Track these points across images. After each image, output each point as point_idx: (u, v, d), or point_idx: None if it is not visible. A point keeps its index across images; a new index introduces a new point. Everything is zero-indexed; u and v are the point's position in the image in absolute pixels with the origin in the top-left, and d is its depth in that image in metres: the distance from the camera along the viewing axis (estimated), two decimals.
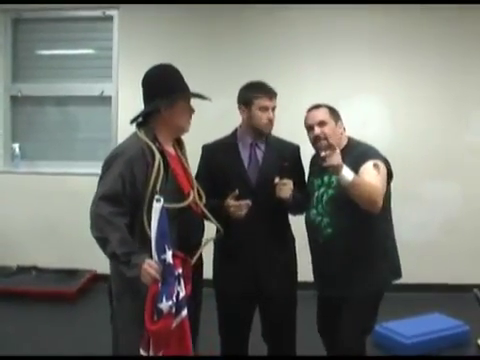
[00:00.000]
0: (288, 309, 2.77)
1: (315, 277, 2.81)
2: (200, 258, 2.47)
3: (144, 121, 2.43)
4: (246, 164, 2.71)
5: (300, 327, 2.87)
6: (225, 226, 2.57)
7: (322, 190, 2.68)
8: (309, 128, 2.71)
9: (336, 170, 2.41)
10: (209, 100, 2.48)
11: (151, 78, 2.43)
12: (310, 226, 2.74)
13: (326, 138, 2.61)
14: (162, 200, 2.10)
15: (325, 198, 2.66)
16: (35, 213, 5.24)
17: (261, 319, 2.82)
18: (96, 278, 4.95)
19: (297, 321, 2.84)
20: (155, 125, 2.38)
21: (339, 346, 2.66)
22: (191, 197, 2.37)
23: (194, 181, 2.49)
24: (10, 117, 5.52)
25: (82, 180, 4.97)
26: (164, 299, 2.02)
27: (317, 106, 2.74)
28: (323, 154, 2.39)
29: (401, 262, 2.76)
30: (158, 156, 2.27)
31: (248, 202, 2.53)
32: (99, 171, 2.31)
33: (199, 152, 2.81)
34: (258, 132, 2.72)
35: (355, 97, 4.95)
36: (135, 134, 2.38)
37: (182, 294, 2.10)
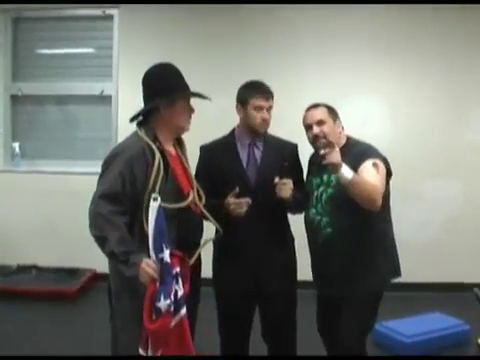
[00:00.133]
0: (288, 309, 2.77)
1: (314, 277, 2.81)
2: (199, 258, 2.46)
3: (144, 120, 2.43)
4: (245, 164, 2.71)
5: (300, 327, 2.86)
6: (225, 225, 2.57)
7: (321, 189, 2.68)
8: (308, 127, 2.71)
9: (335, 168, 2.41)
10: (209, 100, 2.48)
11: (151, 77, 2.42)
12: (309, 225, 2.74)
13: (325, 137, 2.61)
14: (159, 199, 2.10)
15: (324, 197, 2.65)
16: (35, 212, 5.24)
17: (261, 319, 2.81)
18: (96, 277, 4.95)
19: (297, 321, 2.83)
20: (155, 124, 2.38)
21: (339, 346, 2.65)
22: (191, 197, 2.37)
23: (194, 181, 2.49)
24: (10, 116, 5.53)
25: (82, 179, 4.97)
26: (162, 298, 2.03)
27: (315, 105, 2.74)
28: (322, 152, 2.39)
29: (401, 261, 2.76)
30: (158, 155, 2.27)
31: (248, 200, 2.53)
32: (99, 170, 2.31)
33: (198, 152, 2.81)
34: (253, 131, 2.72)
35: (355, 96, 4.95)
36: (135, 133, 2.37)
37: (180, 293, 2.11)
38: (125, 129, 2.55)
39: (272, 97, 2.71)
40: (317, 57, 5.07)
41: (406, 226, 4.43)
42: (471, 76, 5.03)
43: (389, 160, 2.67)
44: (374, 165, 2.51)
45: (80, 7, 5.27)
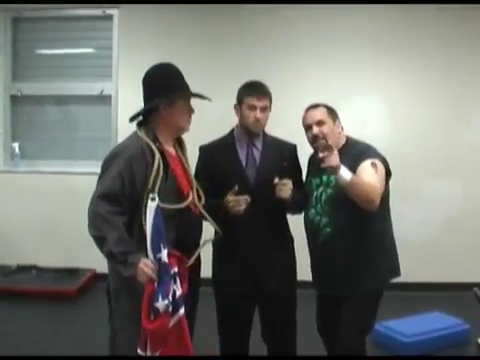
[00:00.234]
0: (288, 309, 2.77)
1: (314, 277, 2.81)
2: (198, 258, 2.46)
3: (144, 120, 2.43)
4: (244, 163, 2.72)
5: (300, 327, 2.86)
6: (224, 225, 2.58)
7: (321, 189, 2.68)
8: (307, 127, 2.72)
9: (334, 171, 2.41)
10: (209, 100, 2.48)
11: (151, 77, 2.43)
12: (309, 226, 2.74)
13: (324, 137, 2.61)
14: (157, 199, 2.10)
15: (324, 197, 2.66)
16: (35, 212, 5.25)
17: (261, 319, 2.81)
18: (96, 277, 4.95)
19: (297, 321, 2.83)
20: (155, 124, 2.38)
21: (339, 345, 2.66)
22: (190, 198, 2.37)
23: (194, 182, 2.49)
24: (10, 116, 5.52)
25: (82, 179, 4.96)
26: (160, 298, 2.03)
27: (315, 105, 2.75)
28: (321, 155, 2.39)
29: (401, 261, 2.76)
30: (158, 156, 2.27)
31: (247, 197, 2.53)
32: (99, 170, 2.31)
33: (198, 152, 2.81)
34: (248, 131, 2.72)
35: (355, 96, 4.95)
36: (135, 133, 2.37)
37: (179, 293, 2.11)
38: (125, 129, 2.55)
39: (267, 97, 2.70)
40: (317, 57, 5.07)
41: (406, 226, 4.43)
42: (471, 76, 5.04)
43: (389, 160, 2.67)
44: (373, 165, 2.51)
45: (80, 7, 5.27)
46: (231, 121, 2.82)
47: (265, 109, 2.70)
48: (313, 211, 2.70)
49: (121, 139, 2.46)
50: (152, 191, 2.17)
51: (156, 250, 2.08)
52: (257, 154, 2.74)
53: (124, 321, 2.27)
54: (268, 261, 2.70)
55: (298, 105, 2.93)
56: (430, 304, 4.31)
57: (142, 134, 2.33)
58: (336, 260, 2.63)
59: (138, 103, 2.44)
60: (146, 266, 2.07)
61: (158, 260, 2.07)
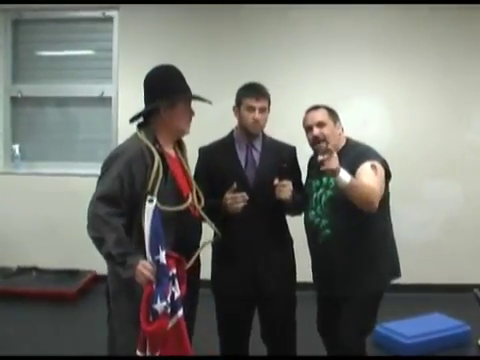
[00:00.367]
0: (287, 310, 2.77)
1: (314, 278, 2.82)
2: (197, 259, 2.46)
3: (145, 122, 2.43)
4: (243, 165, 2.72)
5: (300, 328, 2.87)
6: (223, 226, 2.59)
7: (321, 191, 2.68)
8: (308, 129, 2.72)
9: (333, 173, 2.41)
10: (209, 103, 2.48)
11: (152, 79, 2.43)
12: (309, 227, 2.74)
13: (325, 139, 2.61)
14: (155, 200, 2.11)
15: (324, 199, 2.66)
16: (35, 214, 5.24)
17: (260, 320, 2.81)
18: (96, 279, 4.95)
19: (297, 322, 2.83)
20: (156, 126, 2.38)
21: (339, 346, 2.66)
22: (189, 200, 2.37)
23: (193, 184, 2.49)
24: (10, 118, 5.52)
25: (82, 181, 4.96)
26: (158, 300, 2.03)
27: (316, 107, 2.75)
28: (320, 158, 2.39)
29: (401, 262, 2.77)
30: (157, 158, 2.27)
31: (244, 194, 2.53)
32: (99, 172, 2.31)
33: (197, 154, 2.81)
34: (247, 132, 2.72)
35: (355, 97, 4.95)
36: (135, 135, 2.38)
37: (177, 294, 2.11)
38: (125, 131, 2.56)
39: (266, 98, 2.70)
40: (317, 58, 5.06)
41: (406, 227, 4.43)
42: (470, 76, 5.04)
43: (389, 161, 2.67)
44: (372, 167, 2.52)
45: (80, 8, 5.27)
46: (231, 122, 2.82)
47: (264, 110, 2.70)
48: (313, 213, 2.71)
49: (121, 141, 2.46)
50: (151, 193, 2.17)
51: (154, 252, 2.08)
52: (256, 155, 2.74)
53: (123, 323, 2.27)
54: (267, 262, 2.70)
55: (298, 106, 2.94)
56: (430, 305, 4.31)
57: (142, 136, 2.34)
58: (336, 261, 2.64)
59: (138, 105, 2.45)
60: (144, 268, 2.08)
61: (156, 262, 2.08)
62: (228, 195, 2.54)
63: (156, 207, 2.11)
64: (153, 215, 2.08)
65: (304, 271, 2.82)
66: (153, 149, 2.29)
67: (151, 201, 2.10)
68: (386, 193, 2.64)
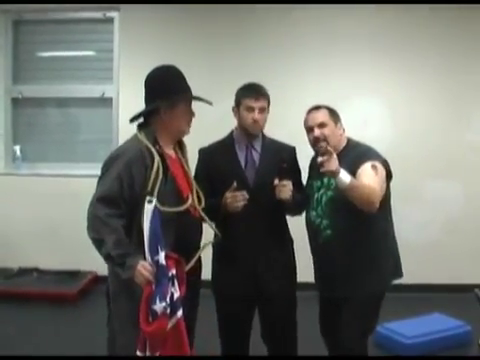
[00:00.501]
0: (288, 310, 2.77)
1: (316, 278, 2.81)
2: (198, 260, 2.46)
3: (145, 123, 2.43)
4: (243, 165, 2.72)
5: (302, 328, 2.87)
6: (223, 226, 2.60)
7: (321, 192, 2.68)
8: (309, 129, 2.72)
9: (333, 175, 2.41)
10: (210, 104, 2.48)
11: (153, 79, 2.43)
12: (310, 228, 2.75)
13: (326, 140, 2.61)
14: (154, 201, 2.11)
15: (324, 199, 2.66)
16: (36, 215, 5.25)
17: (260, 320, 2.81)
18: (97, 280, 4.95)
19: (299, 322, 2.83)
20: (156, 127, 2.38)
21: (340, 347, 2.66)
22: (189, 201, 2.37)
23: (194, 184, 2.49)
24: (11, 119, 5.53)
25: (83, 182, 4.94)
26: (158, 300, 2.03)
27: (317, 107, 2.75)
28: (320, 159, 2.39)
29: (402, 262, 2.76)
30: (157, 158, 2.27)
31: (244, 193, 2.53)
32: (100, 173, 2.32)
33: (197, 155, 2.82)
34: (246, 132, 2.73)
35: (356, 97, 4.95)
36: (135, 136, 2.38)
37: (176, 295, 2.11)
38: (126, 131, 2.55)
39: (265, 98, 2.70)
40: (318, 59, 5.07)
41: (407, 227, 4.43)
42: (470, 76, 5.04)
43: (389, 161, 2.67)
44: (373, 167, 2.52)
45: (81, 9, 5.28)
46: (232, 123, 2.82)
47: (263, 110, 2.70)
48: (314, 213, 2.71)
49: (122, 141, 2.46)
50: (150, 194, 2.17)
51: (154, 252, 2.08)
52: (256, 156, 2.75)
53: (123, 323, 2.28)
54: (268, 262, 2.70)
55: (299, 107, 2.94)
56: (431, 305, 4.31)
57: (142, 137, 2.34)
58: (337, 262, 2.64)
59: (139, 105, 2.45)
60: (144, 268, 2.08)
61: (156, 262, 2.08)
62: (228, 194, 2.54)
63: (155, 208, 2.11)
64: (152, 216, 2.09)
65: (305, 271, 2.82)
66: (153, 150, 2.29)
67: (150, 202, 2.10)
68: (387, 193, 2.64)
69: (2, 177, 5.41)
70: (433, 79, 5.06)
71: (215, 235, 2.59)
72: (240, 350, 2.83)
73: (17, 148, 5.47)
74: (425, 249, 4.97)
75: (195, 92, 2.45)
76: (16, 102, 5.52)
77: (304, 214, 2.82)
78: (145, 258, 2.11)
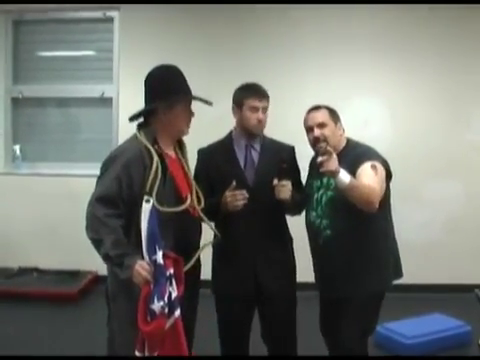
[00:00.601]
0: (288, 309, 2.76)
1: (316, 278, 2.81)
2: (198, 260, 2.46)
3: (145, 123, 2.43)
4: (242, 165, 2.72)
5: (303, 328, 2.87)
6: (223, 226, 2.60)
7: (321, 192, 2.68)
8: (309, 129, 2.72)
9: (333, 175, 2.41)
10: (210, 104, 2.47)
11: (152, 79, 2.43)
12: (310, 228, 2.74)
13: (325, 140, 2.61)
14: (151, 201, 2.11)
15: (324, 200, 2.66)
16: (36, 214, 5.25)
17: (260, 320, 2.81)
18: (97, 279, 4.95)
19: (299, 322, 2.83)
20: (155, 127, 2.38)
21: (341, 347, 2.66)
22: (188, 201, 2.37)
23: (193, 185, 2.48)
24: (11, 119, 5.53)
25: (83, 181, 4.93)
26: (155, 300, 2.03)
27: (317, 107, 2.74)
28: (320, 159, 2.39)
29: (403, 262, 2.76)
30: (156, 158, 2.27)
31: (244, 192, 2.53)
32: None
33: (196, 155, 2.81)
34: (249, 133, 2.73)
35: (356, 98, 4.95)
36: (135, 136, 2.38)
37: (174, 294, 2.11)
38: (126, 131, 2.55)
39: (267, 98, 2.71)
40: (318, 59, 5.07)
41: (407, 227, 4.43)
42: (470, 76, 5.04)
43: (389, 161, 2.67)
44: (373, 167, 2.51)
45: (81, 9, 5.28)
46: (231, 123, 2.82)
47: (266, 110, 2.71)
48: (314, 213, 2.70)
49: (122, 141, 2.46)
50: (149, 194, 2.17)
51: (151, 252, 2.08)
52: (255, 156, 2.75)
53: (122, 323, 2.28)
54: (268, 262, 2.70)
55: (299, 107, 2.93)
56: (431, 306, 4.31)
57: (141, 137, 2.34)
58: (337, 262, 2.63)
59: (139, 105, 2.44)
60: (142, 268, 2.08)
61: (154, 262, 2.08)
62: (228, 193, 2.54)
63: (153, 207, 2.11)
64: (150, 215, 2.09)
65: (305, 271, 2.82)
66: (152, 150, 2.29)
67: (148, 201, 2.11)
68: (387, 193, 2.64)
69: (2, 177, 5.42)
70: (433, 79, 5.06)
71: (215, 236, 2.59)
72: (240, 350, 2.82)
73: (17, 148, 5.48)
74: (425, 249, 4.97)
75: (194, 92, 2.45)
76: (16, 102, 5.53)
77: (304, 214, 2.82)
78: (143, 258, 2.11)
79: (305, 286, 2.91)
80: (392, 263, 2.72)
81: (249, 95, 2.69)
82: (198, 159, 2.79)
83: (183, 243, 2.30)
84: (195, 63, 4.79)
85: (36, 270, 5.16)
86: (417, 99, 5.07)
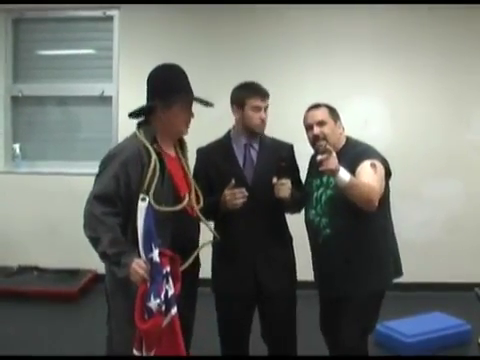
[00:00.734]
0: (288, 308, 2.76)
1: (315, 277, 2.81)
2: (197, 259, 2.46)
3: (145, 121, 2.43)
4: (241, 164, 2.72)
5: (303, 327, 2.86)
6: (223, 225, 2.60)
7: (321, 190, 2.68)
8: (308, 127, 2.71)
9: (332, 173, 2.41)
10: (211, 105, 2.47)
11: (153, 78, 2.43)
12: (310, 226, 2.74)
13: (325, 138, 2.61)
14: (147, 199, 2.12)
15: (324, 198, 2.66)
16: (36, 213, 5.25)
17: (260, 319, 2.81)
18: (97, 278, 4.94)
19: (299, 321, 2.83)
20: (155, 126, 2.38)
21: (340, 345, 2.65)
22: (186, 201, 2.36)
23: (192, 184, 2.48)
24: (11, 117, 5.53)
25: (83, 180, 4.87)
26: (152, 298, 2.04)
27: (316, 105, 2.74)
28: (319, 158, 2.39)
29: (403, 261, 2.76)
30: (154, 157, 2.27)
31: (243, 190, 2.53)
32: None
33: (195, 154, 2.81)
34: (251, 132, 2.72)
35: (356, 97, 4.95)
36: (135, 134, 2.38)
37: (171, 292, 2.11)
38: (126, 130, 2.55)
39: (268, 97, 2.72)
40: (318, 58, 5.07)
41: (407, 226, 4.43)
42: (471, 76, 5.04)
43: (390, 160, 2.67)
44: (372, 165, 2.51)
45: (81, 8, 5.27)
46: (231, 122, 2.82)
47: (267, 109, 2.71)
48: (313, 212, 2.70)
49: (122, 140, 2.46)
50: (145, 192, 2.17)
51: (147, 250, 2.09)
52: (254, 154, 2.74)
53: (119, 321, 2.28)
54: (267, 261, 2.69)
55: (299, 106, 2.93)
56: (431, 304, 4.30)
57: (141, 135, 2.34)
58: (336, 261, 2.63)
59: (138, 104, 2.44)
60: (139, 266, 2.08)
61: (150, 260, 2.08)
62: (227, 192, 2.54)
63: (149, 205, 2.11)
64: (146, 213, 2.10)
65: (305, 270, 2.82)
66: (150, 148, 2.29)
67: (144, 199, 2.12)
68: (386, 191, 2.64)
69: (2, 175, 5.41)
70: (434, 78, 5.05)
71: (214, 237, 2.60)
72: (240, 349, 2.82)
73: (17, 146, 5.47)
74: (425, 248, 4.97)
75: (194, 91, 2.44)
76: (16, 100, 5.52)
77: (303, 213, 2.81)
78: (140, 256, 2.11)
79: (305, 285, 2.90)
80: (392, 262, 2.71)
81: (251, 95, 2.69)
82: (197, 158, 2.79)
83: (181, 242, 2.30)
84: (195, 62, 4.75)
85: (36, 269, 5.16)
86: (417, 98, 5.06)
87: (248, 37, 5.11)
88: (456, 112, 5.07)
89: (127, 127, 2.54)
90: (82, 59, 5.47)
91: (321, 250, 2.70)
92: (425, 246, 4.97)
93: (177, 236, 2.30)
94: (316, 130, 2.65)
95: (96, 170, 2.36)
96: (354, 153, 2.60)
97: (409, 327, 3.77)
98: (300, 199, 2.72)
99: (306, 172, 2.88)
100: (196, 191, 2.48)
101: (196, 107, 2.46)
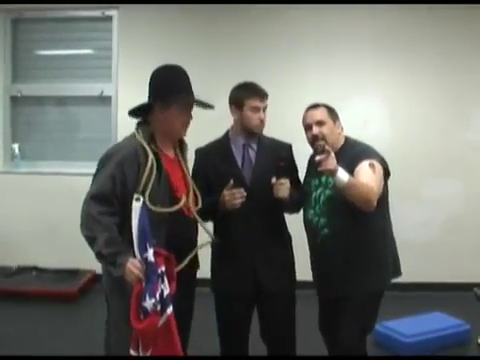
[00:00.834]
0: (287, 308, 2.76)
1: (314, 277, 2.81)
2: (195, 259, 2.46)
3: (144, 121, 2.43)
4: (240, 164, 2.72)
5: (301, 327, 2.86)
6: (221, 225, 2.61)
7: (319, 190, 2.68)
8: (307, 127, 2.71)
9: (331, 174, 2.41)
10: (211, 108, 2.47)
11: (154, 78, 2.44)
12: (308, 226, 2.74)
13: (324, 138, 2.61)
14: (142, 199, 2.13)
15: (322, 198, 2.65)
16: (35, 213, 5.24)
17: (259, 318, 2.81)
18: (96, 278, 4.93)
19: (299, 320, 2.83)
20: (154, 126, 2.39)
21: (339, 345, 2.65)
22: (182, 201, 2.36)
23: (191, 185, 2.48)
24: (10, 117, 5.52)
25: (82, 180, 4.84)
26: (147, 297, 2.04)
27: (315, 105, 2.74)
28: (318, 158, 2.38)
29: (402, 261, 2.76)
30: (151, 156, 2.27)
31: (242, 190, 2.53)
32: None
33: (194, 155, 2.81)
34: (250, 132, 2.72)
35: (355, 97, 4.95)
36: (133, 134, 2.38)
37: (166, 292, 2.11)
38: (125, 130, 2.55)
39: (267, 97, 2.72)
40: (317, 58, 5.06)
41: (406, 226, 4.44)
42: (471, 76, 5.03)
43: (389, 160, 2.66)
44: (370, 165, 2.51)
45: (80, 8, 5.27)
46: (231, 122, 2.81)
47: (265, 109, 2.71)
48: (312, 212, 2.70)
49: (121, 140, 2.46)
50: (141, 192, 2.17)
51: (142, 250, 2.10)
52: (253, 154, 2.74)
53: (116, 321, 2.29)
54: (267, 260, 2.69)
55: (298, 106, 2.92)
56: (430, 304, 4.30)
57: (139, 135, 2.34)
58: (334, 261, 2.63)
59: (138, 104, 2.44)
60: (134, 266, 2.09)
61: (145, 259, 2.09)
62: (226, 192, 2.54)
63: (143, 205, 2.12)
64: (140, 213, 2.10)
65: (304, 269, 2.82)
66: (147, 148, 2.29)
67: (138, 199, 2.12)
68: (385, 191, 2.63)
69: (1, 175, 5.41)
70: (433, 78, 5.05)
71: (212, 240, 2.60)
72: (239, 348, 2.82)
73: (16, 146, 5.47)
74: (425, 248, 4.97)
75: (194, 91, 2.44)
76: (15, 100, 5.52)
77: (302, 212, 2.81)
78: (135, 256, 2.11)
79: (304, 284, 2.90)
80: (391, 262, 2.71)
81: (250, 95, 2.69)
82: (195, 159, 2.79)
83: (177, 242, 2.30)
84: (194, 62, 4.72)
85: (35, 269, 5.15)
86: (417, 98, 5.06)
87: (248, 37, 5.11)
88: (456, 112, 5.07)
89: (126, 127, 2.54)
90: (81, 59, 5.47)
91: (319, 250, 2.70)
92: (424, 246, 4.97)
93: (174, 237, 2.30)
94: (315, 130, 2.65)
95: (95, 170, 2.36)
96: (353, 153, 2.60)
97: (408, 327, 3.77)
98: (299, 199, 2.72)
99: (305, 172, 2.87)
100: (194, 192, 2.47)
101: (196, 107, 2.46)
